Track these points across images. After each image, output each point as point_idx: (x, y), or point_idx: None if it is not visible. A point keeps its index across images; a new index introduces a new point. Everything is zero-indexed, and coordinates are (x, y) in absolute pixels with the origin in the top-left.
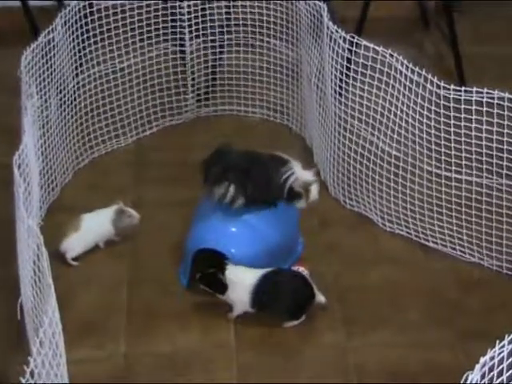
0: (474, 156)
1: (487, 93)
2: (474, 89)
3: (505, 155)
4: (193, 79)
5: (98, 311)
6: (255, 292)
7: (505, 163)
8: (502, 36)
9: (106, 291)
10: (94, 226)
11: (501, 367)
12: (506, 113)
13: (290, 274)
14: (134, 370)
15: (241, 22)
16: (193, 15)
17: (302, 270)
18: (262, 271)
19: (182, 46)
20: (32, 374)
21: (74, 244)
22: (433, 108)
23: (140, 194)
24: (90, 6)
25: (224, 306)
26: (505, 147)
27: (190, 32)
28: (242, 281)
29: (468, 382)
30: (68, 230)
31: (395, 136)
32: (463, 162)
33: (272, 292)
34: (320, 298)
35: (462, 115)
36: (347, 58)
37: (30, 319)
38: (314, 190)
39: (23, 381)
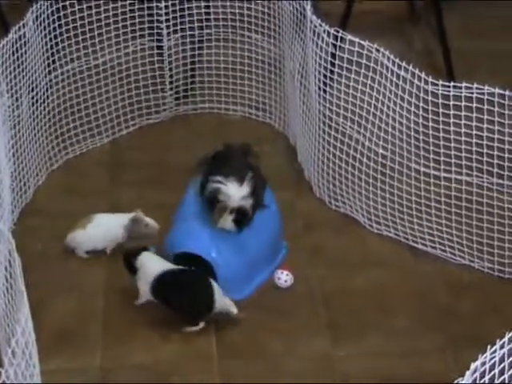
0: (463, 154)
1: (477, 88)
2: (464, 84)
3: (495, 153)
4: (171, 76)
5: (74, 320)
6: (155, 283)
7: (495, 161)
8: (492, 31)
9: (82, 299)
10: (103, 228)
11: (492, 373)
12: (496, 109)
13: (197, 277)
14: (111, 381)
15: (220, 16)
16: (170, 9)
17: (286, 273)
18: (172, 266)
19: (159, 41)
20: None
21: (79, 241)
22: (421, 105)
23: (116, 196)
24: None
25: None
26: (495, 145)
27: (168, 27)
28: (147, 269)
29: None
30: (76, 226)
31: (382, 134)
32: (452, 161)
33: (170, 289)
34: (232, 308)
35: (451, 112)
36: (331, 53)
37: (1, 329)
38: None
39: None
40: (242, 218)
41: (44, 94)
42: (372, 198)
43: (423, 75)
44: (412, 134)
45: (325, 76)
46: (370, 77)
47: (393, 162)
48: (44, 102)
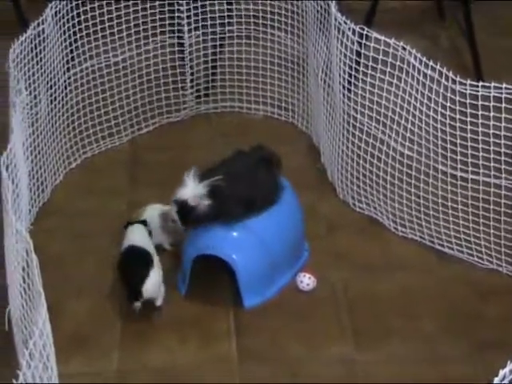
0: (492, 156)
1: (506, 88)
2: (492, 84)
3: None
4: (192, 74)
5: (91, 322)
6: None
7: None
8: None
9: (100, 301)
10: (154, 216)
11: None
12: None
13: (140, 260)
14: None
15: (243, 13)
16: (192, 5)
17: (308, 277)
18: (141, 244)
19: (180, 38)
20: None
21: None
22: (448, 104)
23: (135, 196)
24: None
25: (225, 315)
26: None
27: (189, 23)
28: (124, 241)
29: None
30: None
31: (408, 134)
32: (480, 162)
33: (119, 265)
34: (158, 300)
35: (480, 112)
36: (356, 51)
37: (18, 330)
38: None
39: None
40: (184, 212)
41: (62, 91)
42: (397, 199)
43: (451, 74)
44: (439, 134)
45: (349, 75)
46: (395, 76)
47: (419, 163)
48: (62, 99)
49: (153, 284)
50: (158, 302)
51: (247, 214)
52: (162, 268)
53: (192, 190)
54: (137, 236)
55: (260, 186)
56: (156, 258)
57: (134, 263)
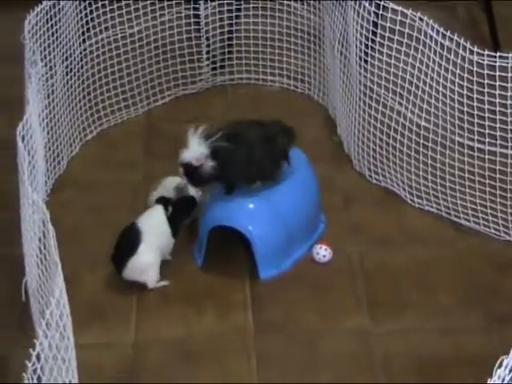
0: (509, 127)
1: None
2: (510, 54)
3: None
4: (207, 45)
5: (107, 294)
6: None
7: None
8: None
9: (115, 272)
10: (160, 191)
11: None
12: None
13: (131, 240)
14: (144, 357)
15: None
16: None
17: (324, 248)
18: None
19: (196, 9)
20: (38, 357)
21: (151, 202)
22: (465, 75)
23: (151, 168)
24: None
25: (241, 287)
26: None
27: None
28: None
29: (503, 367)
30: (149, 189)
31: (424, 106)
32: (497, 133)
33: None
34: (149, 283)
35: (497, 83)
36: (373, 22)
37: (35, 300)
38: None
39: (29, 365)
40: (190, 173)
41: (78, 63)
42: (413, 171)
43: (468, 45)
44: (456, 105)
45: (366, 46)
46: (412, 47)
47: (435, 134)
48: (78, 71)
49: (134, 268)
50: (149, 285)
51: (248, 179)
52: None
53: (195, 150)
54: (149, 216)
55: (260, 156)
56: (151, 241)
57: (122, 243)
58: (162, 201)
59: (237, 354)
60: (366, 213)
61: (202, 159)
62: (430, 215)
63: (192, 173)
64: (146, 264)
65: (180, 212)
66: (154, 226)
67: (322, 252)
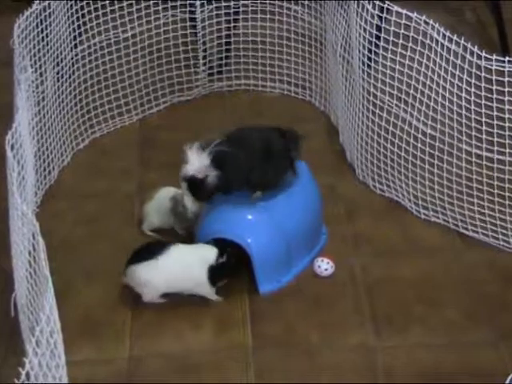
0: None
1: None
2: None
3: None
4: (204, 50)
5: (101, 308)
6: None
7: None
8: None
9: (110, 286)
10: (157, 200)
11: None
12: None
13: (164, 244)
14: (139, 373)
15: None
16: None
17: (326, 261)
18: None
19: (192, 12)
20: (28, 376)
21: (146, 214)
22: (473, 81)
23: (146, 178)
24: None
25: (239, 302)
26: None
27: None
28: None
29: None
30: (145, 199)
31: (430, 113)
32: (507, 142)
33: None
34: (144, 296)
35: (506, 89)
36: (377, 26)
37: (24, 316)
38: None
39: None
40: (195, 187)
41: (70, 68)
42: (419, 181)
43: (476, 49)
44: (463, 112)
45: (369, 50)
46: (417, 51)
47: (442, 142)
48: (70, 77)
49: (134, 276)
50: (143, 299)
51: (250, 185)
52: None
53: (197, 163)
54: (188, 251)
55: (263, 162)
56: (164, 268)
57: (141, 249)
58: (219, 245)
59: (235, 370)
60: (370, 224)
61: (205, 170)
62: (436, 227)
63: (197, 186)
64: (144, 280)
65: (231, 263)
66: (183, 262)
67: (324, 265)
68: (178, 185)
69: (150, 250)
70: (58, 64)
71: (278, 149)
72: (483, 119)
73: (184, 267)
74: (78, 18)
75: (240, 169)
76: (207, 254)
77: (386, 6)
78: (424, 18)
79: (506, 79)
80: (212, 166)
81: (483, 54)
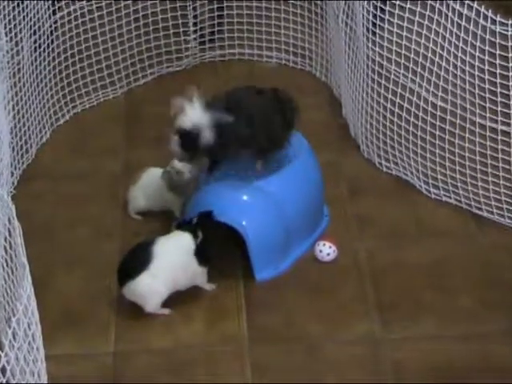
0: None
1: None
2: None
3: None
4: (195, 16)
5: (83, 298)
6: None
7: None
8: None
9: (93, 274)
10: (145, 183)
11: None
12: None
13: (146, 246)
14: (125, 369)
15: None
16: None
17: (328, 245)
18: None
19: None
20: (3, 371)
21: (128, 199)
22: (487, 48)
23: (132, 157)
24: None
25: (234, 290)
26: None
27: None
28: None
29: None
30: (130, 181)
31: (441, 83)
32: None
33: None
34: (146, 307)
35: None
36: None
37: (0, 307)
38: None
39: None
40: (187, 140)
41: (48, 37)
42: (429, 157)
43: (490, 14)
44: (476, 82)
45: (374, 16)
46: (426, 16)
47: (454, 115)
48: (48, 46)
49: (131, 293)
50: (146, 310)
51: (247, 153)
52: None
53: (194, 116)
54: (167, 243)
55: (267, 126)
56: (161, 271)
57: (128, 260)
58: (188, 228)
59: (229, 366)
60: (375, 205)
61: (201, 127)
62: (448, 207)
63: (189, 141)
64: (145, 292)
65: (211, 238)
66: (172, 258)
67: (326, 250)
68: (166, 164)
69: (137, 260)
70: (35, 32)
71: (275, 114)
72: (498, 90)
73: (176, 263)
74: None
75: (239, 139)
76: (185, 241)
77: None
78: None
79: None
80: (210, 129)
81: (498, 19)
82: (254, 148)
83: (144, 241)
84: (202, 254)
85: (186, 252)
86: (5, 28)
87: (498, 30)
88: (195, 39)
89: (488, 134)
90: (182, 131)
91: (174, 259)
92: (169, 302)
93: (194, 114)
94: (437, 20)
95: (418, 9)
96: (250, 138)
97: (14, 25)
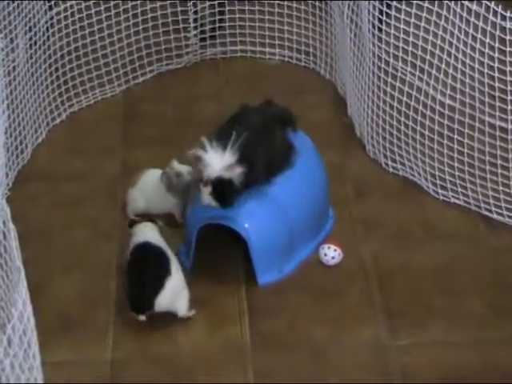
0: None
1: None
2: None
3: None
4: (195, 12)
5: (81, 303)
6: (129, 255)
7: None
8: None
9: (91, 278)
10: (144, 184)
11: None
12: None
13: (156, 264)
14: (123, 378)
15: None
16: None
17: (333, 249)
18: (156, 241)
19: None
20: None
21: (127, 201)
22: (496, 45)
23: (130, 157)
24: None
25: (236, 294)
26: None
27: None
28: (133, 238)
29: None
30: (129, 183)
31: (449, 81)
32: None
33: (130, 265)
34: (181, 312)
35: None
36: None
37: None
38: None
39: None
40: (224, 190)
41: (44, 34)
42: (437, 158)
43: (499, 9)
44: (486, 80)
45: (380, 12)
46: (434, 12)
47: (462, 114)
48: (44, 43)
49: (168, 296)
50: (180, 313)
51: (269, 178)
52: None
53: (218, 161)
54: (149, 233)
55: (277, 147)
56: (174, 259)
57: (147, 267)
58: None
59: (231, 374)
60: (382, 206)
61: (231, 168)
62: (456, 208)
63: (225, 189)
64: (178, 289)
65: None
66: (163, 242)
67: (331, 253)
68: (166, 165)
69: (154, 267)
70: (30, 29)
71: (280, 130)
72: (508, 88)
73: None
74: None
75: (263, 160)
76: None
77: None
78: None
79: None
80: (238, 163)
81: (508, 15)
82: (271, 172)
83: (135, 246)
84: None
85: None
86: (0, 24)
87: (508, 26)
88: (196, 36)
89: (498, 133)
90: (214, 182)
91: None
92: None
93: (216, 160)
94: (445, 16)
95: (426, 4)
96: (268, 163)
97: (9, 21)
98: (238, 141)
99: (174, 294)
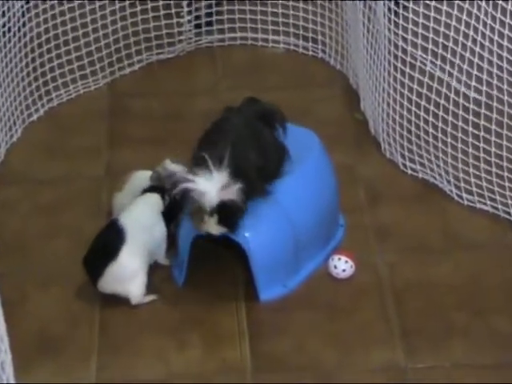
0: None
1: None
2: None
3: None
4: None
5: (61, 321)
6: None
7: None
8: None
9: (72, 293)
10: (133, 187)
11: None
12: None
13: (117, 229)
14: None
15: None
16: None
17: (344, 260)
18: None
19: None
20: None
21: (113, 207)
22: None
23: (116, 158)
24: None
25: (235, 312)
26: None
27: None
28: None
29: None
30: (115, 187)
31: (474, 71)
32: None
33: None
34: (132, 298)
35: None
36: None
37: None
38: None
39: None
40: (231, 214)
41: (19, 20)
42: (461, 158)
43: None
44: None
45: None
46: None
47: (489, 109)
48: (19, 30)
49: (113, 277)
50: (133, 301)
51: (265, 184)
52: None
53: (215, 184)
54: (132, 210)
55: (268, 148)
56: (137, 241)
57: (98, 243)
58: (157, 189)
59: None
60: (399, 213)
61: (228, 186)
62: (483, 215)
63: (231, 213)
64: (129, 271)
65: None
66: (142, 222)
67: (342, 265)
68: (155, 166)
69: (107, 238)
70: (3, 14)
71: (266, 135)
72: None
73: (149, 229)
74: None
75: (256, 169)
76: (153, 203)
77: None
78: None
79: None
80: (232, 179)
81: None
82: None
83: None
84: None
85: (153, 215)
86: None
87: None
88: (190, 21)
89: None
90: (218, 208)
91: (145, 223)
92: (159, 325)
93: (209, 185)
94: None
95: None
96: (268, 169)
97: None
98: (225, 154)
99: (119, 280)
